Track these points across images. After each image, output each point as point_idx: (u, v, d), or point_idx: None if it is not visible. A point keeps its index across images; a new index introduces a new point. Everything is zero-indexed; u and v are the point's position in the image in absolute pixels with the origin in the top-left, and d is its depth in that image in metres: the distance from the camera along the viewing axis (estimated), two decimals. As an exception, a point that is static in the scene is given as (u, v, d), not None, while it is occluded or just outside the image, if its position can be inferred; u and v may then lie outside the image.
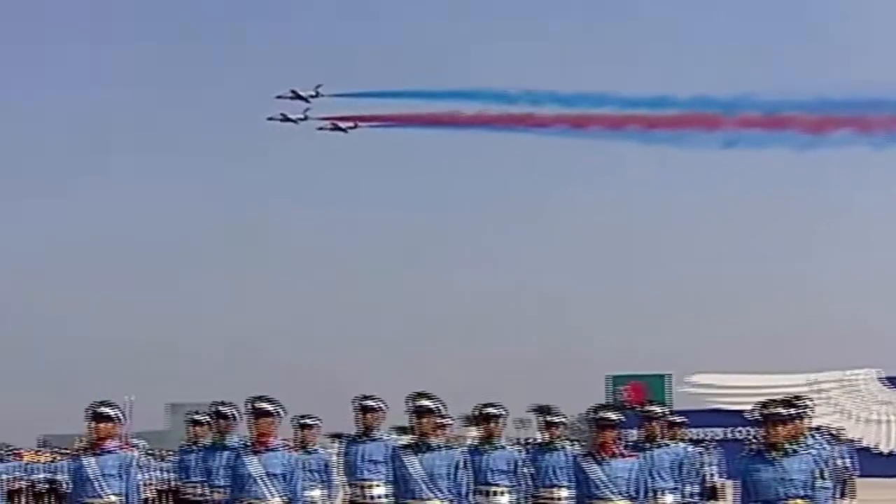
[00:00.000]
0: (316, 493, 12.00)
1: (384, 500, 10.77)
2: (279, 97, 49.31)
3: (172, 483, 22.88)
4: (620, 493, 8.94)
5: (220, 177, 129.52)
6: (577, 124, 45.89)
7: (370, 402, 11.21)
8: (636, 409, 11.89)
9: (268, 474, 9.04)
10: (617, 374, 47.63)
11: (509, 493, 10.80)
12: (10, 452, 32.24)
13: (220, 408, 11.70)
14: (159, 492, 24.96)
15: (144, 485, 9.87)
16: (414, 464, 8.95)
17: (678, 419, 13.76)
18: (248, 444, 9.31)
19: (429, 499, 8.89)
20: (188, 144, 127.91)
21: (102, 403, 9.40)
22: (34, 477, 30.75)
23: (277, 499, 9.04)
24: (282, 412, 9.39)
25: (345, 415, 11.55)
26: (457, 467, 9.00)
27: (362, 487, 11.09)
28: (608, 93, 45.30)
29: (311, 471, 11.79)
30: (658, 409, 11.69)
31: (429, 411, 9.08)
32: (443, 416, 9.73)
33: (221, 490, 11.08)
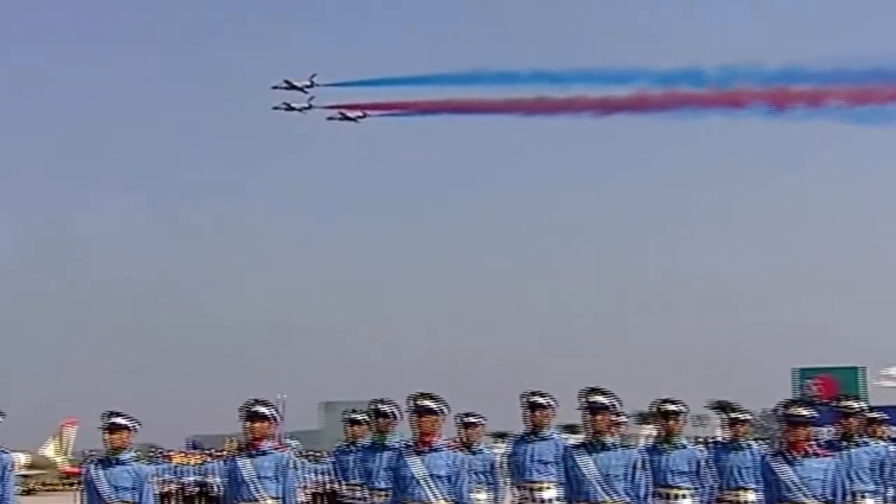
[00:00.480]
0: (482, 495, 11.98)
1: (555, 503, 10.78)
2: (275, 87, 51.93)
3: (328, 486, 23.39)
4: (815, 496, 8.75)
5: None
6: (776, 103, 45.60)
7: (539, 399, 11.20)
8: (828, 404, 11.61)
9: (432, 476, 9.08)
10: (805, 367, 46.63)
11: (691, 495, 10.69)
12: (159, 454, 33.46)
13: (380, 405, 11.73)
14: (314, 495, 25.42)
15: (300, 487, 10.05)
16: (588, 464, 8.95)
17: (878, 416, 13.36)
18: (411, 443, 9.37)
19: (604, 501, 8.87)
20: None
21: (257, 402, 9.62)
22: (184, 480, 31.78)
23: (442, 501, 9.08)
24: (445, 410, 9.40)
25: (511, 412, 11.62)
26: (634, 468, 8.97)
27: (531, 490, 11.11)
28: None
29: (476, 472, 11.79)
30: (855, 405, 11.38)
31: (603, 408, 9.05)
32: (618, 413, 9.68)
33: (382, 493, 11.22)
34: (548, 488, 10.99)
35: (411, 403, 9.32)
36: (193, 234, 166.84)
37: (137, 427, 10.05)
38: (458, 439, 12.21)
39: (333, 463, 14.01)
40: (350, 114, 52.35)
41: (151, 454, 30.79)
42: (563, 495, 9.46)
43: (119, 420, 9.90)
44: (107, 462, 9.84)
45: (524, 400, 11.20)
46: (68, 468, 55.87)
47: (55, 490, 56.21)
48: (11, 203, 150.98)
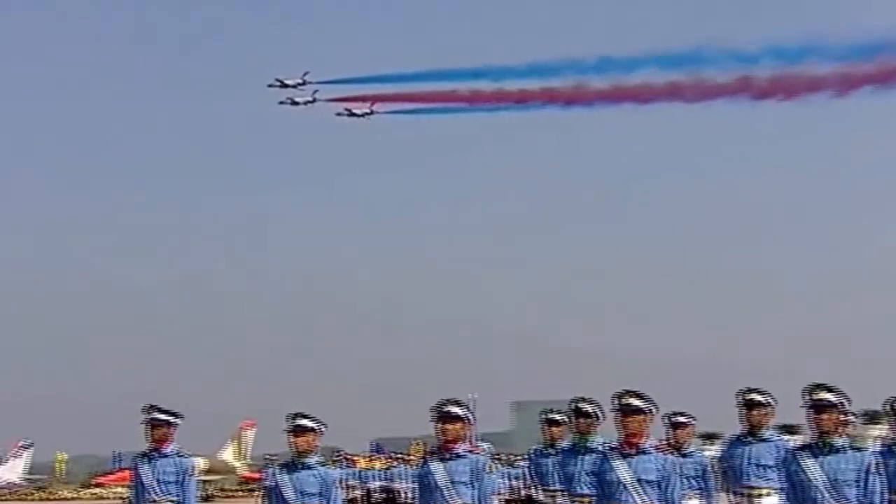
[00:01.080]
0: (693, 502, 11.93)
1: (777, 510, 10.59)
2: (270, 86, 56.51)
3: (523, 491, 23.47)
4: None
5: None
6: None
7: (757, 397, 11.04)
8: None
9: (640, 481, 9.05)
10: None
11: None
12: (342, 458, 34.19)
13: (582, 405, 11.76)
14: (508, 501, 25.54)
15: (495, 494, 10.09)
16: (814, 468, 8.78)
17: None
18: (615, 445, 9.34)
19: (833, 508, 8.72)
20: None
21: (449, 402, 9.64)
22: (370, 485, 32.42)
23: (651, 508, 9.04)
24: (653, 409, 9.37)
25: (725, 412, 11.48)
26: (867, 472, 8.77)
27: (749, 496, 10.96)
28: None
29: (687, 476, 11.71)
30: None
31: (830, 406, 8.87)
32: (845, 413, 9.46)
33: (584, 499, 11.24)
34: (768, 494, 10.84)
35: (616, 402, 9.28)
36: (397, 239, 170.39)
37: (323, 429, 10.21)
38: (666, 441, 12.13)
39: (529, 467, 14.03)
40: (356, 110, 56.12)
41: (335, 458, 31.48)
42: (785, 502, 9.30)
43: (304, 422, 10.07)
44: (292, 466, 10.04)
45: (740, 398, 11.04)
46: (247, 473, 57.59)
47: (234, 496, 58.12)
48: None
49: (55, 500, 69.79)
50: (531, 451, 13.74)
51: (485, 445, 25.43)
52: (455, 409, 9.60)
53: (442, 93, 53.18)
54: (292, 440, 10.04)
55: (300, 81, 56.21)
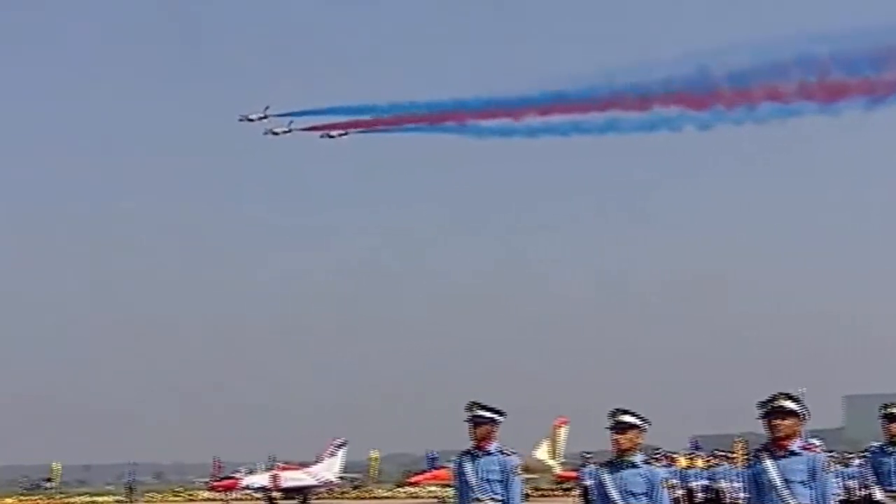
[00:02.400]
0: None
1: None
2: (240, 120, 63.53)
3: (859, 492, 22.89)
4: None
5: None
6: None
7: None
8: None
9: None
10: None
11: None
12: (662, 457, 34.09)
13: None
14: (842, 502, 24.95)
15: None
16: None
17: None
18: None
19: None
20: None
21: (783, 395, 9.55)
22: (692, 484, 32.20)
23: None
24: None
25: None
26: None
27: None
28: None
29: None
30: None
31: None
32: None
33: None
34: None
35: None
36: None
37: (647, 426, 10.23)
38: None
39: (867, 465, 13.71)
40: (332, 132, 62.07)
41: (654, 456, 31.44)
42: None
43: (627, 418, 10.11)
44: (614, 465, 10.13)
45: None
46: (562, 472, 58.10)
47: (549, 495, 58.80)
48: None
49: (370, 498, 72.41)
50: (869, 449, 13.40)
51: (817, 442, 24.97)
52: (789, 404, 9.50)
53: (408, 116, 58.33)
54: (614, 437, 10.09)
55: (262, 115, 63.17)
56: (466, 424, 11.29)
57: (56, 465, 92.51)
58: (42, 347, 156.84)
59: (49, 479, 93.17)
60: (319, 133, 62.45)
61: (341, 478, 68.79)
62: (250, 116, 63.60)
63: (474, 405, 11.24)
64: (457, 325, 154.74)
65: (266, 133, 63.80)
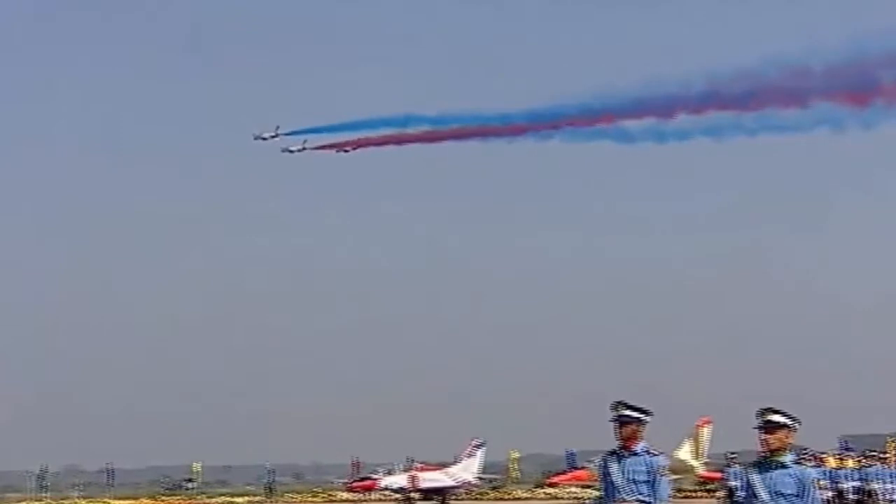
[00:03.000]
0: None
1: None
2: (256, 139, 65.92)
3: None
4: None
5: None
6: None
7: None
8: None
9: None
10: None
11: None
12: (811, 457, 33.72)
13: None
14: None
15: None
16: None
17: None
18: None
19: None
20: None
21: None
22: (842, 485, 31.81)
23: None
24: None
25: None
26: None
27: None
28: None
29: None
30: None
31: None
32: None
33: None
34: None
35: None
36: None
37: (797, 426, 10.21)
38: None
39: None
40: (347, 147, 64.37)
41: (803, 457, 31.12)
42: None
43: (777, 418, 10.10)
44: (763, 465, 10.15)
45: None
46: (705, 473, 57.62)
47: (692, 496, 58.29)
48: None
49: (509, 499, 72.63)
50: None
51: None
52: None
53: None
54: (763, 437, 10.11)
55: (274, 134, 65.54)
56: (610, 424, 11.29)
57: (197, 466, 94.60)
58: (181, 349, 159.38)
59: (190, 480, 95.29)
60: (335, 149, 64.70)
61: (480, 478, 69.13)
62: (263, 136, 66.08)
63: (620, 404, 11.27)
64: (599, 321, 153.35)
65: (283, 151, 66.13)
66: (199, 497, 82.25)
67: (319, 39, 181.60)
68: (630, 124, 50.87)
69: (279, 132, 65.80)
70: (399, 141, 61.68)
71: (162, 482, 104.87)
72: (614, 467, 11.27)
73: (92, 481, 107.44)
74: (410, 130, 60.05)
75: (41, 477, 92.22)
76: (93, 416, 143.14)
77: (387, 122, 61.61)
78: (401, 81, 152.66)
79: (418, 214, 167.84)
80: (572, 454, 74.24)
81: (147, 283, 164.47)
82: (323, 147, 64.97)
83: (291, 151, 65.70)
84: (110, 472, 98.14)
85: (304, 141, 65.28)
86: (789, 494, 9.94)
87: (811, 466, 11.17)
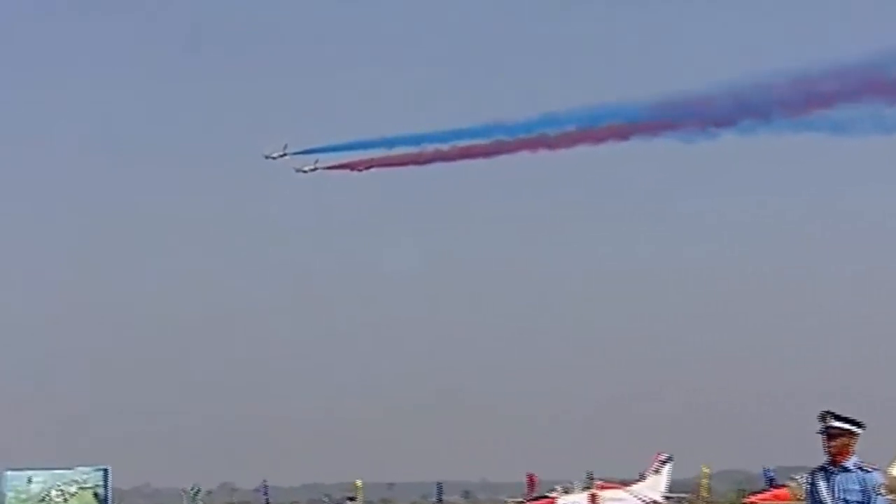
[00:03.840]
0: None
1: None
2: (267, 158, 69.04)
3: None
4: None
5: None
6: None
7: None
8: None
9: None
10: None
11: None
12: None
13: None
14: None
15: None
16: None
17: None
18: None
19: None
20: None
21: None
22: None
23: None
24: None
25: None
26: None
27: None
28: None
29: None
30: None
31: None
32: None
33: None
34: None
35: None
36: None
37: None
38: None
39: None
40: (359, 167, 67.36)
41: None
42: None
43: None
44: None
45: None
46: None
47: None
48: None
49: (702, 522, 71.82)
50: None
51: None
52: None
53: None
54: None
55: (282, 153, 68.40)
56: (818, 437, 11.10)
57: (359, 483, 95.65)
58: (333, 362, 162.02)
59: (352, 498, 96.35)
60: (348, 169, 67.68)
61: (667, 497, 68.56)
62: (272, 155, 68.98)
63: (828, 415, 11.08)
64: (810, 329, 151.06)
65: (297, 171, 68.96)
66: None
67: (319, 40, 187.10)
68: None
69: (287, 151, 68.82)
70: (417, 161, 64.28)
71: (322, 500, 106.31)
72: (822, 485, 11.09)
73: (247, 499, 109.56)
74: (426, 149, 62.85)
75: (194, 495, 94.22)
76: (246, 432, 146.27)
77: (404, 141, 64.20)
78: (400, 80, 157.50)
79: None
80: (770, 471, 73.04)
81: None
82: (335, 167, 68.13)
83: (305, 171, 68.69)
84: (266, 490, 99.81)
85: (316, 161, 68.38)
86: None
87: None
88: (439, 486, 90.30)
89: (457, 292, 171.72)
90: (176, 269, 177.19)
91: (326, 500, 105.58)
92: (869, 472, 11.01)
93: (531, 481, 77.71)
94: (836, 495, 10.95)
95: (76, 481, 51.25)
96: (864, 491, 10.90)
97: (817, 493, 11.11)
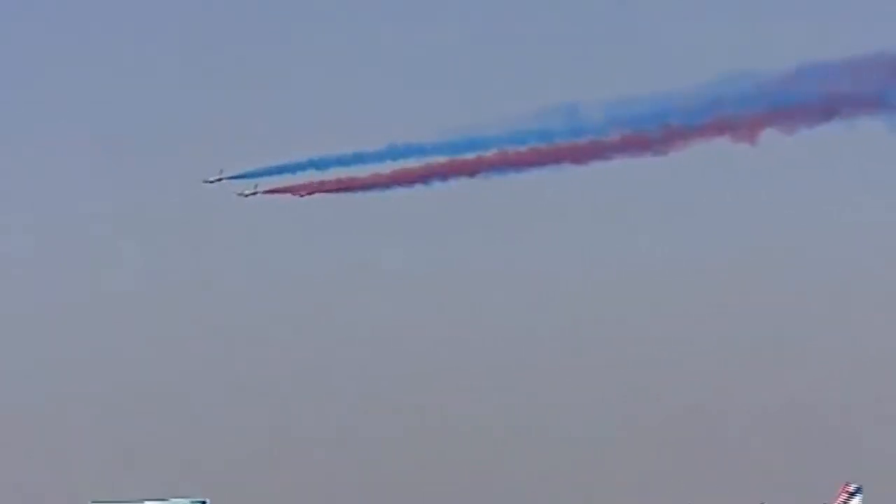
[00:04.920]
0: None
1: None
2: (205, 182, 73.53)
3: None
4: None
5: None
6: None
7: None
8: None
9: None
10: None
11: None
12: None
13: None
14: None
15: None
16: None
17: None
18: None
19: None
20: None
21: None
22: None
23: None
24: None
25: None
26: None
27: None
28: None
29: None
30: None
31: None
32: None
33: None
34: None
35: None
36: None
37: None
38: None
39: None
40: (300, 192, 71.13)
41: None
42: None
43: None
44: None
45: None
46: None
47: None
48: None
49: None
50: None
51: None
52: None
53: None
54: None
55: (218, 178, 73.94)
56: None
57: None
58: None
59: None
60: (290, 194, 71.53)
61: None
62: (209, 179, 73.92)
63: None
64: None
65: (238, 195, 73.90)
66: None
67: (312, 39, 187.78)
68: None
69: (223, 175, 72.92)
70: (350, 187, 68.61)
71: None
72: None
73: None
74: (362, 173, 68.36)
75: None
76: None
77: (338, 162, 68.99)
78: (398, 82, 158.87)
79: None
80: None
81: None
82: (275, 191, 71.89)
83: (245, 195, 72.97)
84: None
85: (256, 185, 72.60)
86: None
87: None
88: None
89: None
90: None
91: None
92: None
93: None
94: None
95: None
96: None
97: None
